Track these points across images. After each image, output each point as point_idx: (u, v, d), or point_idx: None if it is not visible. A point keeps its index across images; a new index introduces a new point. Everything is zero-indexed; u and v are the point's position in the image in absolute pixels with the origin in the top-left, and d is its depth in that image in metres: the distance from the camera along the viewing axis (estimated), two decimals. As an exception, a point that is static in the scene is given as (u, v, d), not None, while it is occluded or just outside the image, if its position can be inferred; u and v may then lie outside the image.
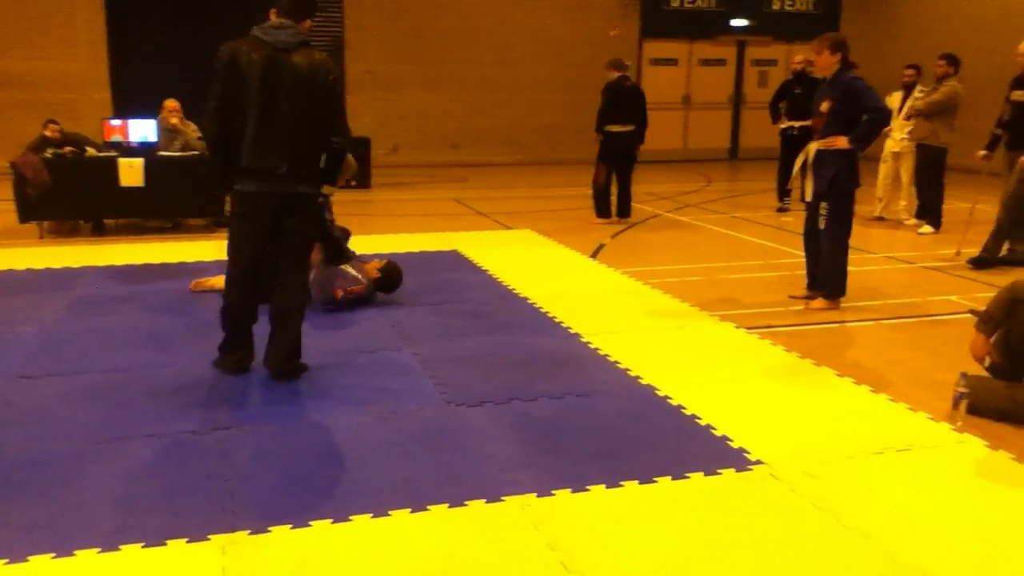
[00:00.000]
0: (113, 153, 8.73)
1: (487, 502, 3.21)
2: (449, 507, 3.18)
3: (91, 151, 8.83)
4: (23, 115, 12.75)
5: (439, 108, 15.26)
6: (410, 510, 3.15)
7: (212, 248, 7.69)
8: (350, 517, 3.11)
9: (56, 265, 7.10)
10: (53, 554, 2.85)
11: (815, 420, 4.04)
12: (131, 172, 8.48)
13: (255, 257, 4.40)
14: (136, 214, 8.89)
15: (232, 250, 4.42)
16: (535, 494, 3.27)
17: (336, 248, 5.94)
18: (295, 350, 4.51)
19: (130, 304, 5.90)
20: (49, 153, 8.56)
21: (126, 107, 13.00)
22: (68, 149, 8.74)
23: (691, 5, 16.45)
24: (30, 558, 2.83)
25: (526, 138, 15.75)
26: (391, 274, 6.04)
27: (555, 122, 15.67)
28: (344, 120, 4.40)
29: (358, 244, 6.38)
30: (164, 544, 2.92)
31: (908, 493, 3.33)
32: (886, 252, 8.04)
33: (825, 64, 5.79)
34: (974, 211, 8.20)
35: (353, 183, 11.88)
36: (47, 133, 8.93)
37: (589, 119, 9.72)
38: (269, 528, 3.03)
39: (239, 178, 4.28)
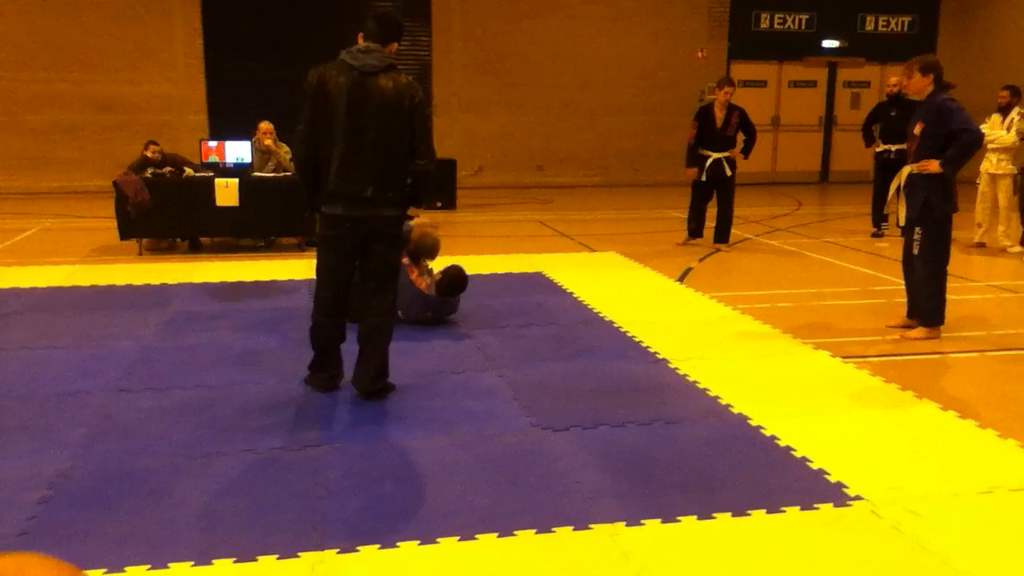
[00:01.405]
0: (210, 173, 8.99)
1: (575, 529, 3.16)
2: (536, 533, 3.14)
3: (189, 171, 9.12)
4: (125, 136, 13.30)
5: (522, 130, 15.36)
6: (497, 535, 3.12)
7: (303, 267, 7.84)
8: (437, 540, 3.09)
9: (154, 281, 7.33)
10: (148, 566, 2.91)
11: (917, 455, 3.87)
12: (226, 192, 8.73)
13: (341, 279, 4.47)
14: (230, 233, 9.13)
15: (319, 271, 4.50)
16: (624, 523, 3.20)
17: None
18: (383, 370, 4.55)
19: (223, 321, 6.04)
20: (149, 173, 8.87)
21: (222, 129, 13.45)
22: (167, 169, 9.04)
23: (781, 26, 16.21)
24: (127, 569, 2.89)
25: (607, 161, 15.71)
26: (453, 277, 6.01)
27: (637, 145, 15.60)
28: (430, 143, 4.43)
29: (443, 264, 6.39)
30: (255, 560, 2.95)
31: (1021, 536, 3.15)
32: (988, 280, 7.72)
33: (917, 87, 5.67)
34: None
35: (439, 204, 12.03)
36: (148, 154, 9.25)
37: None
38: (358, 548, 3.04)
39: (326, 201, 4.34)
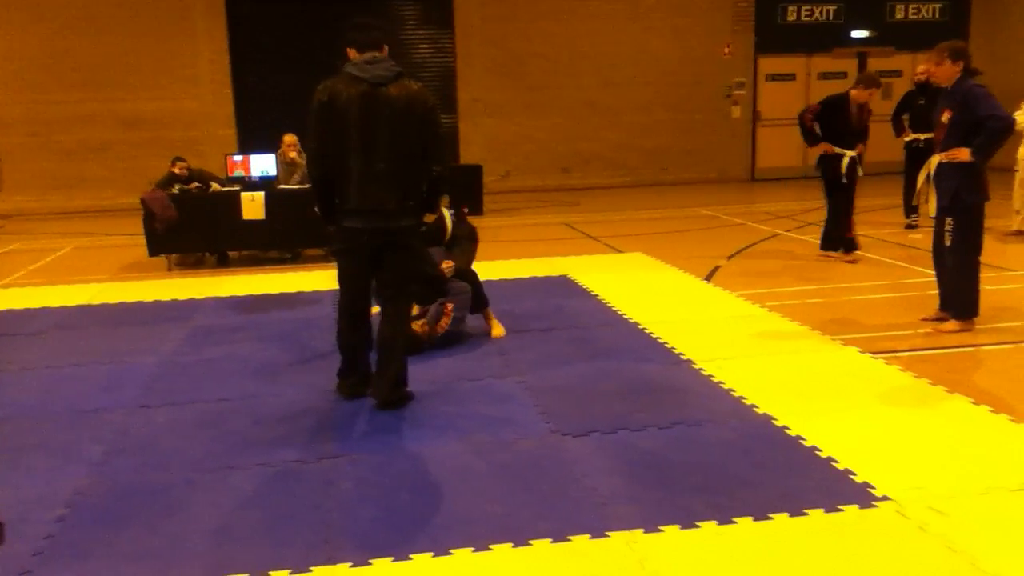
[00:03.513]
0: (236, 187, 9.03)
1: (591, 537, 3.09)
2: (552, 542, 3.07)
3: (215, 186, 9.17)
4: (152, 153, 13.47)
5: (546, 133, 15.30)
6: (511, 544, 3.06)
7: (327, 278, 7.84)
8: (451, 551, 3.04)
9: (181, 296, 7.37)
10: (159, 584, 2.89)
11: (947, 453, 3.74)
12: (252, 206, 8.76)
13: (361, 288, 4.49)
14: (257, 246, 9.17)
15: (340, 279, 4.51)
16: (641, 530, 3.13)
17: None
18: (400, 379, 4.51)
19: (244, 334, 6.05)
20: (176, 189, 8.93)
21: (251, 142, 13.54)
22: (194, 185, 9.10)
23: (808, 18, 15.99)
24: (137, 587, 2.88)
25: (633, 160, 15.59)
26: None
27: (662, 143, 15.46)
28: (442, 149, 4.38)
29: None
30: (266, 576, 2.92)
31: (1056, 535, 3.02)
32: (1025, 269, 7.51)
33: (946, 74, 5.51)
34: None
35: (467, 210, 12.00)
36: (175, 170, 9.29)
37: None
38: (370, 561, 3.00)
39: (346, 216, 4.31)
